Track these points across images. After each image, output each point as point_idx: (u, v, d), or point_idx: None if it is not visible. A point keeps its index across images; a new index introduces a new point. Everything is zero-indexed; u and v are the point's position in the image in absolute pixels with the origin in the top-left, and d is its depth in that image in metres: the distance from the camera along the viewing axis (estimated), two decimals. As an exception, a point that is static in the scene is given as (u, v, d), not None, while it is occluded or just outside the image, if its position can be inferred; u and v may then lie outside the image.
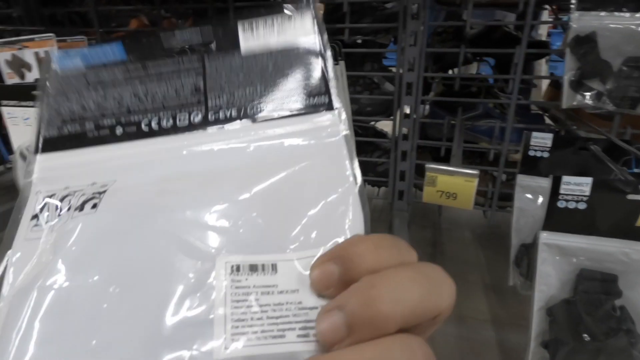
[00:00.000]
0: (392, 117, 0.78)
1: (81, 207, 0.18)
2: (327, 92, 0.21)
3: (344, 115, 0.20)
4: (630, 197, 0.39)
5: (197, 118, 0.20)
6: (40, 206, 0.18)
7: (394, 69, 0.75)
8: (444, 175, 0.36)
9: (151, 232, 0.17)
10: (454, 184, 0.37)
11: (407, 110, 0.74)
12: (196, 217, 0.17)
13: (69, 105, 0.20)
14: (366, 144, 0.89)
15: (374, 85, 0.88)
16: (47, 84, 0.21)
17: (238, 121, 0.20)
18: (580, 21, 0.47)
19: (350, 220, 0.18)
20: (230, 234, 0.17)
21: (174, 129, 0.20)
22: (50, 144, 0.20)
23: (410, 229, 0.87)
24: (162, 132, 0.20)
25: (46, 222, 0.18)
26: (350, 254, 0.15)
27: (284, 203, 0.18)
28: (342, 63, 0.58)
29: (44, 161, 0.19)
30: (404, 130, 0.76)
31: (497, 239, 1.07)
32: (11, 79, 0.75)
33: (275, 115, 0.20)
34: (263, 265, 0.17)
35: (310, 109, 0.20)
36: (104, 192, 0.18)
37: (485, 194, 0.78)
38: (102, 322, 0.15)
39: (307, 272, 0.16)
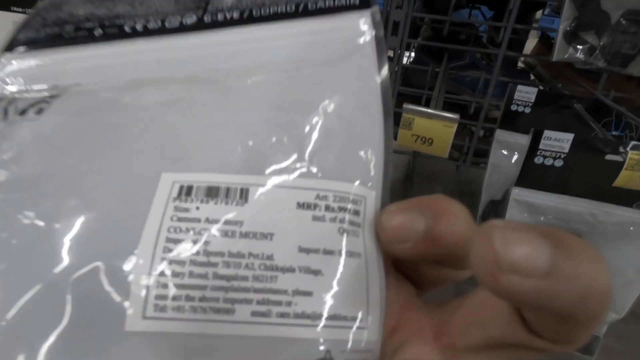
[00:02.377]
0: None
1: (23, 112, 0.15)
2: None
3: (378, 17, 0.15)
4: (609, 157, 0.38)
5: (191, 19, 0.16)
6: None
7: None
8: (422, 118, 0.33)
9: (96, 139, 0.13)
10: (431, 128, 0.34)
11: (391, 54, 0.70)
12: (155, 123, 0.13)
13: (56, 12, 0.17)
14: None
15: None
16: None
17: (239, 23, 0.16)
18: (587, -37, 0.43)
19: (369, 156, 0.13)
20: (194, 144, 0.12)
21: (161, 31, 0.16)
22: (22, 44, 0.17)
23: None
24: (146, 33, 0.16)
25: None
26: (446, 211, 0.12)
27: (278, 116, 0.13)
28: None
29: (8, 61, 0.16)
30: (386, 75, 0.72)
31: (468, 196, 1.08)
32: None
33: (287, 16, 0.16)
34: (227, 189, 0.12)
35: (335, 9, 0.16)
36: (57, 95, 0.15)
37: (461, 149, 0.77)
38: (19, 237, 0.12)
39: (296, 209, 0.12)
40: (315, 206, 0.12)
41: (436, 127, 0.33)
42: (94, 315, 0.10)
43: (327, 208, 0.12)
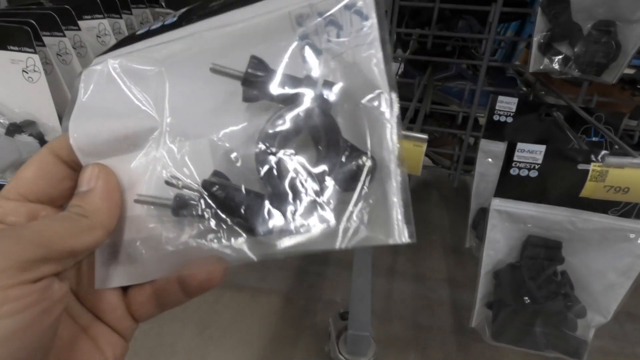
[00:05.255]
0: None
1: None
2: None
3: None
4: (581, 166, 0.39)
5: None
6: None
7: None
8: (395, 138, 0.34)
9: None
10: (403, 148, 0.35)
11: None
12: None
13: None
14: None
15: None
16: None
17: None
18: (554, -21, 0.44)
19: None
20: None
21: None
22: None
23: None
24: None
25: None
26: None
27: None
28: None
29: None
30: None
31: (463, 201, 1.09)
32: None
33: None
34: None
35: None
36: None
37: (452, 157, 0.78)
38: None
39: None
40: None
41: (407, 147, 0.34)
42: None
43: None
